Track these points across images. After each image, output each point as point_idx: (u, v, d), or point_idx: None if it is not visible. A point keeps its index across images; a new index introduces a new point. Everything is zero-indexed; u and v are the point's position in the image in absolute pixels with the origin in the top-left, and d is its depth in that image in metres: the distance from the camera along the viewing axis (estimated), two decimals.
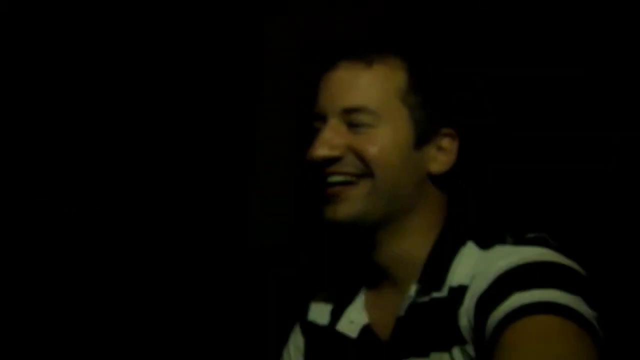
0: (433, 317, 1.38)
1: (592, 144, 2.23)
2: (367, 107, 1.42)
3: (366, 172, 1.41)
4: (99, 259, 2.52)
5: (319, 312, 1.58)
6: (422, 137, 1.44)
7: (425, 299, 1.40)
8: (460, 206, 1.49)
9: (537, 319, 1.23)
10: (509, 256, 1.33)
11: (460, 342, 1.34)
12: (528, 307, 1.24)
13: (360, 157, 1.42)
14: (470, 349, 1.33)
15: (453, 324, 1.35)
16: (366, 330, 1.47)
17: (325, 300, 1.59)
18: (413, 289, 1.41)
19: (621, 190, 2.21)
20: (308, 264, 2.36)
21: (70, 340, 2.46)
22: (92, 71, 2.53)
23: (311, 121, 1.48)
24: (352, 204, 1.41)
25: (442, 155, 1.46)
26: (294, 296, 1.69)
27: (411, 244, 1.44)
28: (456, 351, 1.35)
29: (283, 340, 1.70)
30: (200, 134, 2.58)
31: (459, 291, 1.36)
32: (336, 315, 1.53)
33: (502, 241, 1.38)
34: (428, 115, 1.44)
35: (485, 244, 1.39)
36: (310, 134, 1.47)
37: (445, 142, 1.46)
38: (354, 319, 1.50)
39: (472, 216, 1.47)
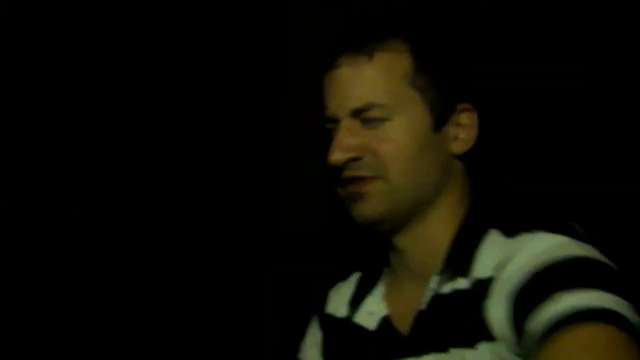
0: (455, 311, 1.32)
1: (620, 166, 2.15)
2: (376, 102, 1.36)
3: (382, 172, 1.36)
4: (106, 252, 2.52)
5: (338, 304, 1.54)
6: (440, 118, 1.38)
7: (447, 290, 1.35)
8: (483, 189, 1.42)
9: (589, 328, 1.16)
10: (540, 248, 1.26)
11: (488, 338, 1.28)
12: (579, 314, 1.17)
13: (376, 156, 1.36)
14: (500, 347, 1.27)
15: (478, 318, 1.29)
16: (385, 322, 1.43)
17: (345, 291, 1.54)
18: (435, 281, 1.36)
19: None
20: (335, 249, 2.29)
21: (69, 334, 2.46)
22: (109, 70, 2.53)
23: (325, 124, 1.42)
24: (376, 201, 1.36)
25: (462, 133, 1.40)
26: (315, 287, 1.64)
27: (435, 229, 1.39)
28: (483, 348, 1.29)
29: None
30: (228, 118, 2.55)
31: (484, 283, 1.31)
32: (354, 306, 1.49)
33: (529, 228, 1.31)
34: (441, 94, 1.38)
35: (510, 232, 1.33)
36: (329, 137, 1.41)
37: (464, 118, 1.40)
38: (373, 310, 1.45)
39: (496, 200, 1.40)
